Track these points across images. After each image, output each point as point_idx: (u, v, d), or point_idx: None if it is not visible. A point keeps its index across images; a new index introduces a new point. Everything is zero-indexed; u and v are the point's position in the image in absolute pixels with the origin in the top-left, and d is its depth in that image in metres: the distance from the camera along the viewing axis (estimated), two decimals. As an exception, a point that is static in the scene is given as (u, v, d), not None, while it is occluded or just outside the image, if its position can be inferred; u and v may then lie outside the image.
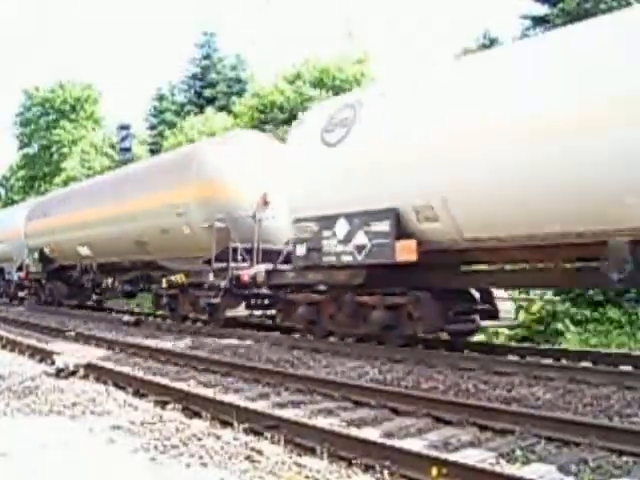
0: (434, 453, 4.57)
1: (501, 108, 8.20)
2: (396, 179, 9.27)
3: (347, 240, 9.97)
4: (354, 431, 5.32)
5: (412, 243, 9.09)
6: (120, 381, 7.74)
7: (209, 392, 7.04)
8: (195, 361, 9.37)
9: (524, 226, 8.13)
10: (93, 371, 8.26)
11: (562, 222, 7.76)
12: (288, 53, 65.83)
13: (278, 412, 5.93)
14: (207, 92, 38.88)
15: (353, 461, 4.59)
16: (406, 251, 9.16)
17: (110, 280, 18.53)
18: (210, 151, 13.83)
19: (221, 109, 33.09)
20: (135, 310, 18.93)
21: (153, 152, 33.30)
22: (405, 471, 4.34)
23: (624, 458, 4.68)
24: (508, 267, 9.85)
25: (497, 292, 10.55)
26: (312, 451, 4.88)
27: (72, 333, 13.06)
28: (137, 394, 7.17)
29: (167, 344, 11.40)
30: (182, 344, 11.39)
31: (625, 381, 7.22)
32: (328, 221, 10.29)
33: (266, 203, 13.09)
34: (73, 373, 8.17)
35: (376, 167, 9.52)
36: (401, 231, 9.26)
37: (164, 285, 14.87)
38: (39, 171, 44.27)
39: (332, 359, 9.60)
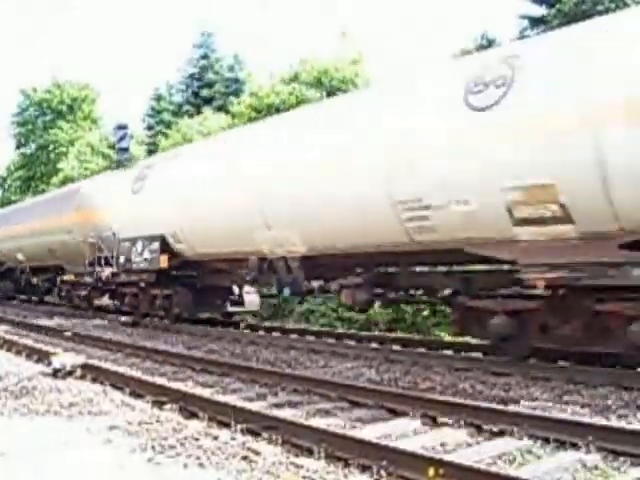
0: (431, 453, 4.58)
1: (229, 168, 12.11)
2: (163, 217, 14.09)
3: (142, 254, 14.93)
4: (351, 431, 5.32)
5: (166, 257, 14.17)
6: (117, 381, 7.73)
7: (206, 392, 7.04)
8: (192, 361, 9.37)
9: (229, 246, 12.68)
10: (90, 371, 8.25)
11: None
12: (285, 53, 65.86)
13: (275, 412, 5.93)
14: (205, 92, 38.84)
15: (350, 461, 4.59)
16: (164, 262, 14.24)
17: (36, 279, 23.55)
18: (86, 188, 19.30)
19: (219, 109, 33.06)
20: (50, 301, 23.74)
21: (151, 152, 33.25)
22: (402, 471, 4.34)
23: (621, 459, 4.68)
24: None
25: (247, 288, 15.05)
26: (309, 451, 4.88)
27: (69, 333, 13.06)
28: (134, 394, 7.17)
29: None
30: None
31: (623, 381, 7.23)
32: (133, 241, 15.30)
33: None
34: (70, 373, 8.16)
35: (153, 212, 14.55)
36: (164, 249, 14.17)
37: (58, 282, 21.21)
38: (36, 171, 44.16)
39: (329, 359, 9.61)
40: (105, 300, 18.24)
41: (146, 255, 14.75)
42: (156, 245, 14.34)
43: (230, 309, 15.44)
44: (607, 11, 11.95)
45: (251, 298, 15.39)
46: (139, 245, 15.04)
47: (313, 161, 10.04)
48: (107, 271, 16.51)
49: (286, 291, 11.98)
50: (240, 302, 15.32)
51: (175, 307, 14.78)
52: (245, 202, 11.37)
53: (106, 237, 16.68)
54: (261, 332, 13.74)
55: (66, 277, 20.20)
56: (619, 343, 7.51)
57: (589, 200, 7.11)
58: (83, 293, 19.18)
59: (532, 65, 7.79)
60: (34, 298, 24.49)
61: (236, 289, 15.20)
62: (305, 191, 10.15)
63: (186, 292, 14.69)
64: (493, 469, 4.32)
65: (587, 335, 7.86)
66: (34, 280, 23.51)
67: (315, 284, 11.45)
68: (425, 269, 10.24)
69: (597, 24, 7.79)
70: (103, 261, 16.79)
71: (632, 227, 7.04)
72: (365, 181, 9.12)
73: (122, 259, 15.68)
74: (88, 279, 18.07)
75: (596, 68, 7.05)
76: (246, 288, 15.06)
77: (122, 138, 29.62)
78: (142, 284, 15.49)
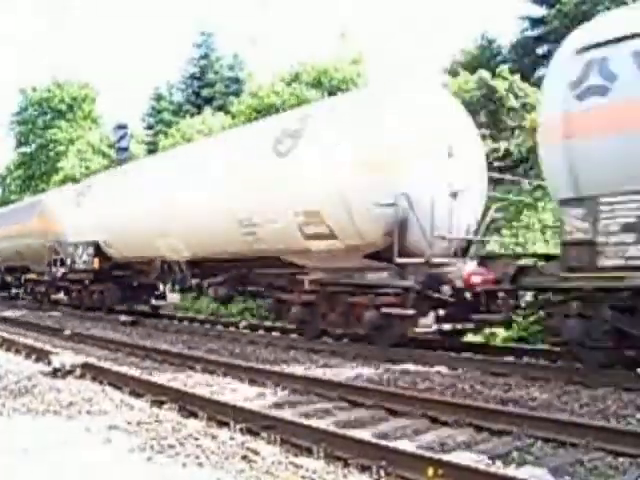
0: (430, 454, 4.58)
1: (138, 191, 16.27)
2: (96, 227, 17.72)
3: (82, 257, 18.35)
4: (350, 431, 5.32)
5: (98, 259, 17.70)
6: (117, 381, 7.73)
7: (205, 392, 7.04)
8: (191, 361, 9.37)
9: (141, 251, 16.25)
10: (90, 371, 8.25)
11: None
12: (285, 53, 65.81)
13: (274, 412, 5.93)
14: (205, 92, 38.90)
15: (349, 461, 4.59)
16: (96, 263, 17.70)
17: (9, 278, 26.68)
18: (46, 200, 22.39)
19: (219, 109, 33.09)
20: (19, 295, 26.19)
21: (151, 151, 33.27)
22: (401, 471, 4.34)
23: (620, 459, 4.69)
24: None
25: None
26: (308, 451, 4.88)
27: (68, 332, 13.06)
28: (134, 394, 7.17)
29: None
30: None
31: (622, 382, 7.23)
32: (77, 246, 18.72)
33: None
34: (69, 373, 8.15)
35: (89, 222, 18.21)
36: (97, 253, 17.69)
37: (23, 280, 24.53)
38: (36, 170, 44.14)
39: (329, 359, 9.61)
40: (60, 295, 21.34)
41: (85, 258, 18.27)
42: (91, 250, 17.89)
43: (154, 303, 18.52)
44: (607, 10, 11.95)
45: (173, 294, 18.33)
46: (80, 249, 18.55)
47: (188, 189, 13.69)
48: (60, 271, 19.70)
49: (176, 287, 16.64)
50: (163, 297, 18.33)
51: (107, 300, 18.06)
52: (149, 217, 15.09)
53: (59, 242, 19.89)
54: (261, 331, 13.74)
55: (30, 276, 23.47)
56: (361, 326, 10.33)
57: (343, 223, 10.10)
58: (42, 289, 22.39)
59: (316, 123, 10.98)
60: (5, 294, 27.74)
61: (161, 286, 18.18)
62: (185, 211, 13.73)
63: (116, 288, 17.98)
64: (492, 469, 4.33)
65: (345, 320, 10.82)
66: (8, 279, 26.81)
67: (194, 281, 14.97)
68: (265, 271, 12.91)
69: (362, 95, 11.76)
70: (58, 262, 19.83)
71: (369, 242, 10.06)
72: (218, 205, 12.55)
73: (69, 261, 19.15)
74: (46, 277, 21.10)
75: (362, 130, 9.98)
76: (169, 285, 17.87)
77: (122, 137, 29.65)
78: (86, 282, 18.91)
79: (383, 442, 4.83)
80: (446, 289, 9.28)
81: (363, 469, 4.49)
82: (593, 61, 7.67)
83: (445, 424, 5.78)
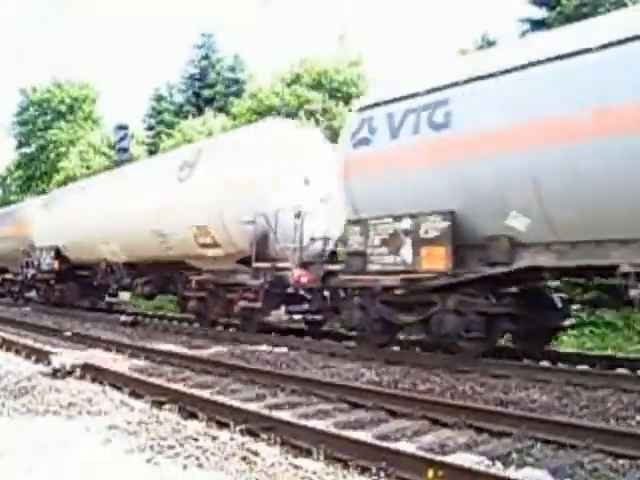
0: (430, 455, 4.58)
1: (85, 205, 19.36)
2: (57, 233, 20.28)
3: (46, 259, 20.83)
4: (350, 433, 5.32)
5: (57, 261, 20.11)
6: (116, 381, 7.73)
7: (205, 393, 7.04)
8: (191, 362, 9.36)
9: (91, 255, 18.97)
10: (89, 371, 8.25)
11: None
12: (285, 54, 65.85)
13: (274, 413, 5.93)
14: (205, 93, 38.83)
15: (349, 463, 4.59)
16: (56, 265, 20.21)
17: None
18: (23, 207, 25.70)
19: (219, 110, 33.06)
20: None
21: (151, 152, 33.26)
22: (401, 473, 4.34)
23: (620, 461, 4.69)
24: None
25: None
26: (308, 452, 4.88)
27: (69, 333, 13.06)
28: (133, 394, 7.17)
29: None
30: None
31: (621, 384, 7.24)
32: (42, 250, 21.16)
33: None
34: (69, 373, 8.16)
35: (52, 229, 20.75)
36: (57, 256, 20.14)
37: (0, 280, 27.21)
38: (36, 171, 44.12)
39: (329, 360, 9.60)
40: (32, 293, 23.77)
41: (48, 260, 20.69)
42: (53, 253, 20.43)
43: (107, 300, 20.83)
44: (608, 12, 11.94)
45: (125, 295, 20.24)
46: (44, 253, 21.04)
47: (120, 205, 16.68)
48: (31, 272, 22.22)
49: (114, 285, 18.88)
50: (115, 295, 20.21)
51: (68, 298, 20.91)
52: (95, 226, 17.79)
53: (31, 246, 22.31)
54: (260, 332, 13.73)
55: (7, 276, 26.32)
56: (236, 315, 13.31)
57: (222, 235, 12.95)
58: (17, 288, 25.12)
59: (207, 155, 13.90)
60: None
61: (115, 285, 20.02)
62: (119, 223, 16.51)
63: (74, 287, 20.94)
64: (492, 471, 4.32)
65: (225, 311, 13.69)
66: None
67: (127, 281, 17.55)
68: (174, 272, 15.57)
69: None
70: (30, 264, 22.35)
71: (239, 250, 12.78)
72: (140, 219, 15.46)
73: (36, 263, 21.66)
74: (20, 277, 23.75)
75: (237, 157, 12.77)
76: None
77: (122, 138, 29.61)
78: (51, 281, 21.35)
79: (383, 443, 4.84)
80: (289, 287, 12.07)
81: (363, 470, 4.49)
82: (365, 118, 10.04)
83: (445, 426, 5.78)
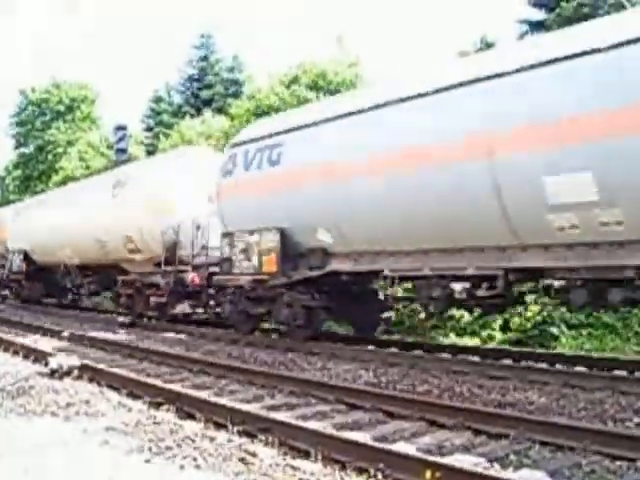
0: (428, 456, 4.58)
1: (47, 215, 21.71)
2: (25, 239, 22.87)
3: (16, 261, 23.37)
4: (348, 434, 5.32)
5: (24, 263, 22.60)
6: (114, 382, 7.72)
7: (203, 394, 7.03)
8: (189, 363, 9.35)
9: (52, 257, 21.32)
10: (87, 372, 8.24)
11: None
12: (284, 55, 65.82)
13: (272, 414, 5.92)
14: (204, 94, 38.80)
15: (347, 464, 4.59)
16: (24, 267, 22.62)
17: None
18: (1, 214, 27.22)
19: (218, 111, 33.04)
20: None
21: (150, 153, 33.23)
22: (399, 474, 4.34)
23: (618, 463, 4.69)
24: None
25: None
26: (306, 454, 4.88)
27: (66, 334, 13.03)
28: (131, 395, 7.16)
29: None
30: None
31: (619, 386, 7.24)
32: (14, 252, 23.63)
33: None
34: (67, 374, 8.14)
35: (21, 234, 23.27)
36: (25, 258, 22.66)
37: None
38: (34, 171, 44.05)
39: (327, 362, 9.60)
40: (7, 292, 26.02)
41: (18, 262, 23.36)
42: (22, 256, 23.04)
43: (70, 297, 23.04)
44: (608, 14, 11.94)
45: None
46: (15, 255, 23.65)
47: (71, 216, 19.20)
48: (5, 272, 24.68)
49: (69, 285, 21.42)
50: (78, 293, 22.32)
51: (34, 295, 23.51)
52: (54, 233, 20.15)
53: (6, 248, 24.66)
54: (258, 334, 13.72)
55: None
56: (152, 309, 16.08)
57: (142, 243, 15.79)
58: None
59: (132, 177, 16.77)
60: None
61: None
62: (71, 230, 19.00)
63: (40, 286, 23.39)
64: (490, 472, 4.32)
65: (146, 306, 16.14)
66: None
67: (79, 280, 20.37)
68: (113, 273, 18.24)
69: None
70: (6, 265, 24.75)
71: (156, 255, 15.39)
72: (85, 227, 17.95)
73: (9, 264, 24.21)
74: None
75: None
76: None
77: (121, 139, 29.58)
78: (22, 281, 23.59)
79: (381, 445, 4.83)
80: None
81: (361, 472, 4.49)
82: (232, 153, 12.59)
83: (443, 427, 5.77)
